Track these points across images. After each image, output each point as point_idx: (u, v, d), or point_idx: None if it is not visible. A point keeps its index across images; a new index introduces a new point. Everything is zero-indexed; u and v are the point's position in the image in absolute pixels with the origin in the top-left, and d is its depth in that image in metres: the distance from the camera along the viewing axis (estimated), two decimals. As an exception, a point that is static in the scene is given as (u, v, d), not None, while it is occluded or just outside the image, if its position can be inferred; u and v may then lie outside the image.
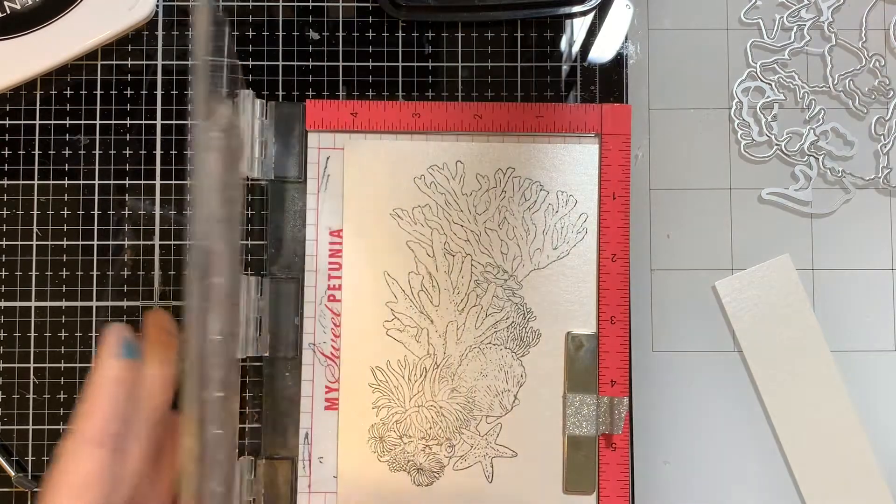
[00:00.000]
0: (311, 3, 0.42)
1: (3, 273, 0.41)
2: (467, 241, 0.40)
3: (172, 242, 0.41)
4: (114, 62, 0.41)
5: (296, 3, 0.42)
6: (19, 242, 0.41)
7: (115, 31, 0.39)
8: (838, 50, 0.41)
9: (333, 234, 0.40)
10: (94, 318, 0.40)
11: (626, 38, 0.42)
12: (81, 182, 0.41)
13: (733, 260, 0.41)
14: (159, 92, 0.41)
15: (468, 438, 0.40)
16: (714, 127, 0.41)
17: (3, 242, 0.41)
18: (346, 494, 0.40)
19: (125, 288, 0.40)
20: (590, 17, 0.42)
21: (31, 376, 0.40)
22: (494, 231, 0.40)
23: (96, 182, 0.41)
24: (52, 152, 0.41)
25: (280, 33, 0.42)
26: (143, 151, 0.41)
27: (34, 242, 0.41)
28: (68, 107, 0.41)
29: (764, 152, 0.41)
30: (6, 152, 0.41)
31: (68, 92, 0.41)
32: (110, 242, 0.41)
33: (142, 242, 0.41)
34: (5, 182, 0.41)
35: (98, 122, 0.41)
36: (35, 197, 0.41)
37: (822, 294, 0.41)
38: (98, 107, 0.41)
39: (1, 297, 0.40)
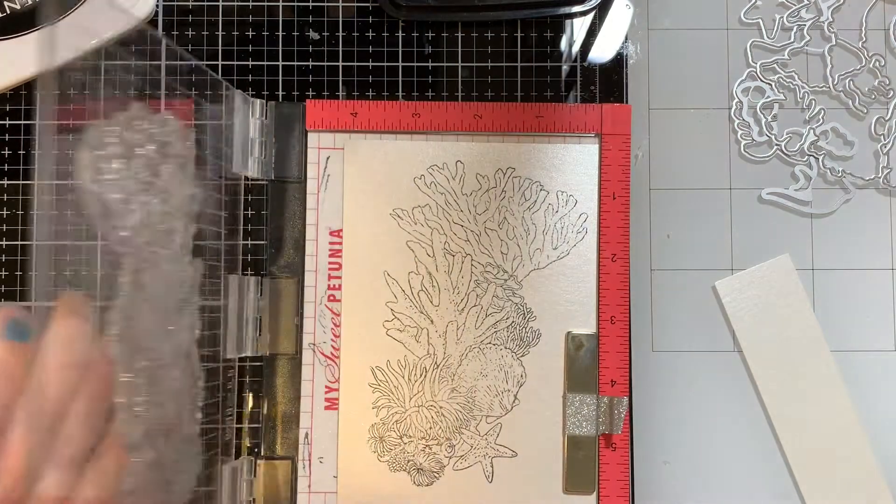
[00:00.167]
0: (311, 3, 0.42)
1: (4, 273, 0.41)
2: (467, 241, 0.40)
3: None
4: (114, 62, 0.41)
5: (296, 3, 0.42)
6: (19, 242, 0.41)
7: (115, 31, 0.39)
8: (838, 50, 0.41)
9: (333, 234, 0.40)
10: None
11: (626, 38, 0.42)
12: (81, 182, 0.41)
13: (733, 260, 0.41)
14: (161, 92, 0.41)
15: (468, 438, 0.40)
16: (714, 127, 0.41)
17: (4, 242, 0.41)
18: (346, 494, 0.40)
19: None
20: (590, 17, 0.42)
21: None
22: (494, 231, 0.40)
23: (96, 182, 0.41)
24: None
25: (280, 33, 0.42)
26: (143, 151, 0.41)
27: (34, 242, 0.41)
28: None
29: (764, 152, 0.41)
30: (6, 152, 0.41)
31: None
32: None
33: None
34: (5, 182, 0.41)
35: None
36: (35, 197, 0.41)
37: (822, 294, 0.41)
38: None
39: (1, 297, 0.40)
